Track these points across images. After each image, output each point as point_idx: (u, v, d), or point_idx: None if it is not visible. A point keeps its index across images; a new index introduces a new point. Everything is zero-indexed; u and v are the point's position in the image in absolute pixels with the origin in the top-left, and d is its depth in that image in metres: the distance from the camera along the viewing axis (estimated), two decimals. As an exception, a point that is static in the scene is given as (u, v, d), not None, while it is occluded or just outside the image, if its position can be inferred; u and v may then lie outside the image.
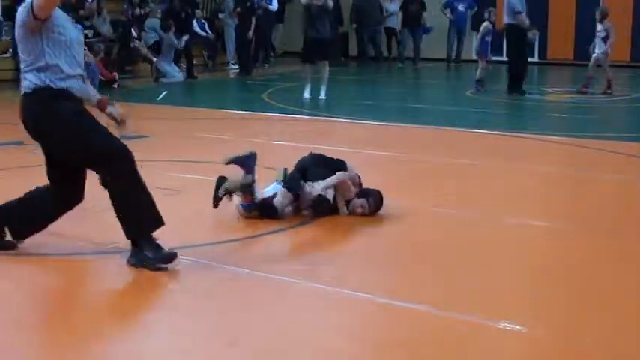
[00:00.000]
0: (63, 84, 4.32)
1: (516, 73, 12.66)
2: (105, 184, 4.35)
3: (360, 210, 5.28)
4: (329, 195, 5.16)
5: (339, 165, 5.48)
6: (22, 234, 4.59)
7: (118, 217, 4.39)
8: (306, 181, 5.25)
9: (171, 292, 4.06)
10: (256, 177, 5.43)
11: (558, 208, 5.82)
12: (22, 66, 4.43)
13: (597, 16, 12.91)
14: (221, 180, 5.28)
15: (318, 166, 5.45)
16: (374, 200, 5.32)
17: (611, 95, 12.54)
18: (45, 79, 4.31)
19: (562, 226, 5.19)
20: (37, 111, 4.37)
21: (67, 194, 4.57)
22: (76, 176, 4.52)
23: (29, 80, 4.35)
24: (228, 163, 5.46)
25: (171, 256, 4.28)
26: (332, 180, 5.20)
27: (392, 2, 19.25)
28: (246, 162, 5.41)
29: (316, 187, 5.17)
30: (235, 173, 5.35)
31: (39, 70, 4.32)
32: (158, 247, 4.29)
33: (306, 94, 11.94)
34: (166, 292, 4.06)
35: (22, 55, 4.40)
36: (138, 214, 4.34)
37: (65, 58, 4.32)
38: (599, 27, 12.78)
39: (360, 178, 5.48)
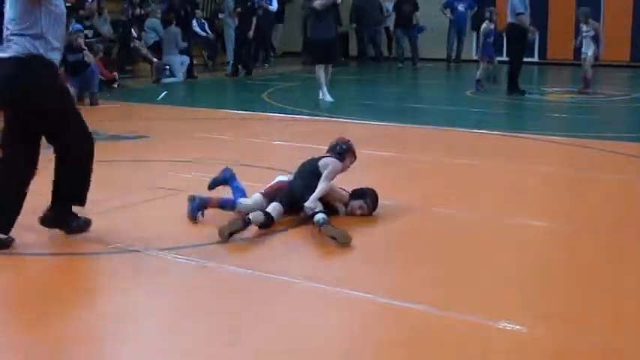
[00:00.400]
0: (51, 55, 4.44)
1: (515, 72, 12.67)
2: (62, 154, 4.68)
3: (359, 211, 5.31)
4: (319, 207, 5.11)
5: (313, 168, 5.40)
6: (4, 228, 4.60)
7: (65, 182, 4.74)
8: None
9: (171, 292, 4.06)
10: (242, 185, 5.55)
11: (558, 208, 5.82)
12: (10, 28, 4.44)
13: (581, 18, 12.90)
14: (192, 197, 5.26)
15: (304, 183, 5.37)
16: (371, 200, 5.35)
17: (590, 95, 12.51)
18: (39, 47, 4.40)
19: (562, 226, 5.19)
20: (27, 78, 4.45)
21: (24, 170, 4.66)
22: (35, 150, 4.68)
23: (21, 45, 4.39)
24: (212, 187, 5.60)
25: (86, 224, 4.83)
26: (317, 194, 5.15)
27: (391, 2, 19.27)
28: (226, 178, 5.63)
29: (308, 205, 5.07)
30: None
31: (33, 37, 4.39)
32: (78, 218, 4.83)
33: (328, 97, 11.67)
34: (166, 291, 4.06)
35: (13, 19, 4.43)
36: (86, 186, 4.76)
37: (55, 30, 4.45)
38: (585, 27, 12.79)
39: (351, 155, 5.49)
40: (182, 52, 15.83)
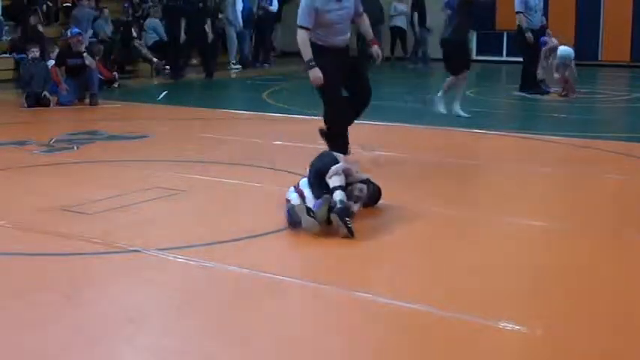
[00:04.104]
0: (322, 41, 6.81)
1: (529, 72, 12.63)
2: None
3: (357, 192, 5.27)
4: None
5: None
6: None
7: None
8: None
9: (171, 291, 4.06)
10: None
11: (558, 208, 5.82)
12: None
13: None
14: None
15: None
16: (372, 190, 5.36)
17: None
18: (312, 37, 6.71)
19: (562, 226, 5.19)
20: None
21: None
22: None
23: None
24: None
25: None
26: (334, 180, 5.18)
27: (400, 2, 19.29)
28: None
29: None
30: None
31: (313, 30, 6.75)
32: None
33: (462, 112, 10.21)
34: (166, 291, 4.06)
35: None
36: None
37: (320, 28, 6.77)
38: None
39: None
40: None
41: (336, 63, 6.70)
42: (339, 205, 4.88)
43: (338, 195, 4.96)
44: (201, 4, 15.55)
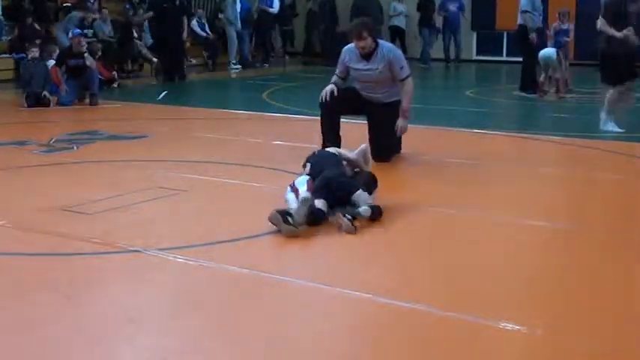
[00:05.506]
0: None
1: (528, 72, 12.62)
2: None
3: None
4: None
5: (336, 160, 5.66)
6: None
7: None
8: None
9: (171, 291, 4.06)
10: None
11: (558, 208, 5.82)
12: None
13: (563, 17, 12.97)
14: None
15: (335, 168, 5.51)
16: (365, 179, 5.47)
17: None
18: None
19: (562, 226, 5.19)
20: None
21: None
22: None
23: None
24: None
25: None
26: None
27: (400, 2, 19.31)
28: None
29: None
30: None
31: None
32: None
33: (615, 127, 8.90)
34: (166, 291, 4.06)
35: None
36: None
37: (350, 80, 7.33)
38: (566, 25, 12.85)
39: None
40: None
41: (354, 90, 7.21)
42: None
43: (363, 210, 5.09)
44: (177, 1, 14.77)
